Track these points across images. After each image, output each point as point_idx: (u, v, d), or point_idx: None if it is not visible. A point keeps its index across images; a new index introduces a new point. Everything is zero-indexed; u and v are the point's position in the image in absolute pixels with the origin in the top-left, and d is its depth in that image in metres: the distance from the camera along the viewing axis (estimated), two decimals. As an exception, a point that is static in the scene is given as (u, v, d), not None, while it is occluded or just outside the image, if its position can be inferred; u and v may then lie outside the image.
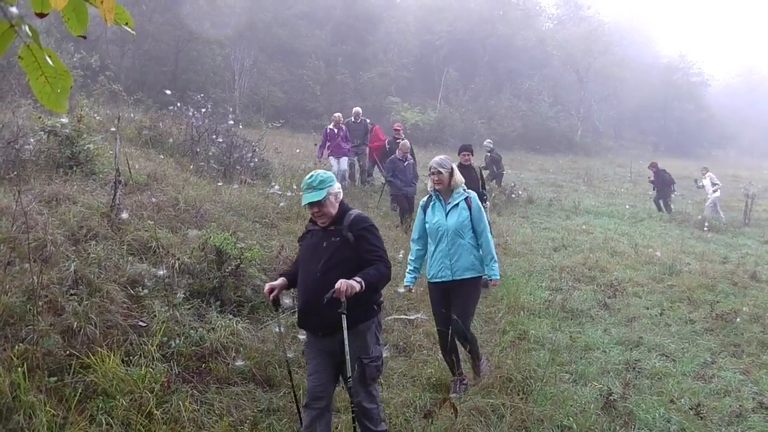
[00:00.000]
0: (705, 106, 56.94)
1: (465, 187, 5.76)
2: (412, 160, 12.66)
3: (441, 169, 5.63)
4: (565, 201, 19.07)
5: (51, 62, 1.71)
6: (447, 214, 5.62)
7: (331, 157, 14.63)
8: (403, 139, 14.07)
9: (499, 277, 5.84)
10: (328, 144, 14.73)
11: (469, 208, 5.63)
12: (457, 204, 5.62)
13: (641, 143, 49.46)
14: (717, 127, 56.89)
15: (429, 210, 5.76)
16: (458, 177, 5.71)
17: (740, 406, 5.69)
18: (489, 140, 19.51)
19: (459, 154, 10.02)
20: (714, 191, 19.73)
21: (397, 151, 12.66)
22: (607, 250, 12.39)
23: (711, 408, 5.59)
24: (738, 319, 8.09)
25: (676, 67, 57.56)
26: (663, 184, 19.36)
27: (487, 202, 10.12)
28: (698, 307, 8.84)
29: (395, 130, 15.42)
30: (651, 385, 6.14)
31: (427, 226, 5.75)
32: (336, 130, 14.69)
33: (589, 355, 6.90)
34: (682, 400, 5.75)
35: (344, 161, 14.93)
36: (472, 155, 10.12)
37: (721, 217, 18.91)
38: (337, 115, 15.24)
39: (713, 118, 56.86)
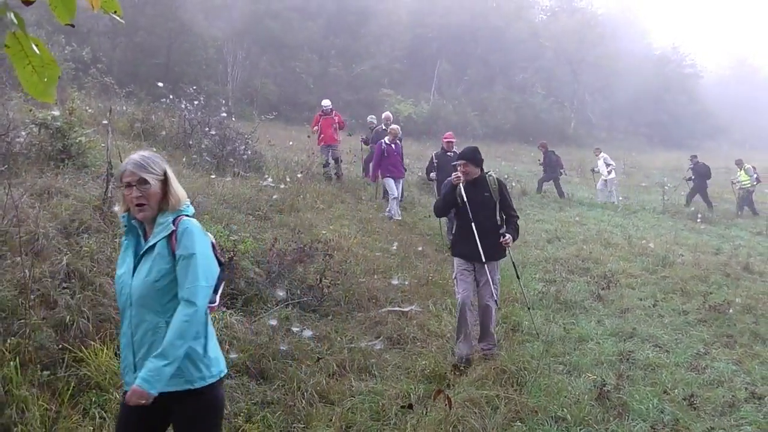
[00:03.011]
0: (697, 98, 57.18)
1: (189, 207, 3.03)
2: None
3: (144, 174, 2.89)
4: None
5: (38, 51, 1.69)
6: (136, 265, 2.95)
7: (387, 179, 12.42)
8: (451, 151, 11.27)
9: (150, 390, 2.73)
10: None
11: (173, 254, 2.89)
12: (154, 246, 2.91)
13: (634, 135, 49.51)
14: (709, 119, 57.16)
15: (122, 252, 3.07)
16: (177, 191, 2.99)
17: (733, 396, 5.72)
18: (372, 116, 17.59)
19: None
20: (608, 172, 19.48)
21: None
22: (601, 242, 12.42)
23: (704, 398, 5.62)
24: (731, 310, 8.13)
25: (668, 58, 57.66)
26: (551, 165, 19.09)
27: (508, 238, 6.32)
28: (691, 299, 8.87)
29: (446, 140, 11.77)
30: (644, 375, 6.15)
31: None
32: (393, 146, 12.45)
33: (583, 346, 6.91)
34: (676, 390, 5.77)
35: (401, 185, 12.78)
36: (477, 165, 6.35)
37: (618, 199, 18.82)
38: (394, 127, 12.98)
39: (705, 110, 57.12)
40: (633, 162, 28.75)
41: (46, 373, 4.31)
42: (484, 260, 6.25)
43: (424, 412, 4.83)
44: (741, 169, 19.15)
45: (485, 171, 6.51)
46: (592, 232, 13.48)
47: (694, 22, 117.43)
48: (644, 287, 9.50)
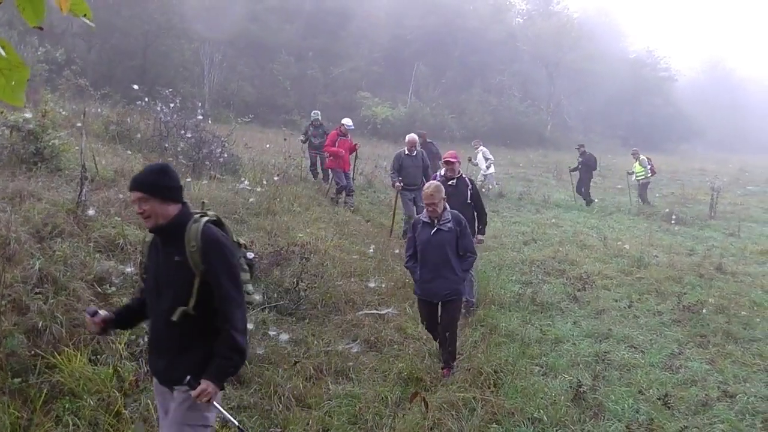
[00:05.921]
0: (672, 100, 57.84)
1: None
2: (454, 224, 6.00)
3: None
4: (535, 195, 19.23)
5: (4, 53, 1.66)
6: None
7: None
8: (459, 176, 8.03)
9: None
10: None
11: None
12: None
13: (610, 137, 49.96)
14: (684, 122, 57.83)
15: None
16: None
17: (706, 395, 5.81)
18: (316, 111, 16.63)
19: None
20: (487, 166, 19.42)
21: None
22: (577, 244, 12.51)
23: (678, 398, 5.70)
24: (704, 311, 8.25)
25: (644, 61, 58.24)
26: (430, 157, 18.95)
27: (201, 389, 3.03)
28: (666, 299, 8.97)
29: (447, 162, 8.07)
30: (620, 376, 6.22)
31: None
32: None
33: (559, 347, 6.97)
34: (651, 390, 5.85)
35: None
36: (165, 201, 3.35)
37: (490, 189, 18.73)
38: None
39: (680, 112, 57.78)
40: (609, 164, 28.92)
41: (17, 380, 4.25)
42: (159, 381, 3.36)
43: (401, 415, 4.84)
44: (636, 161, 19.29)
45: (204, 215, 3.50)
46: (568, 234, 13.58)
47: (669, 25, 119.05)
48: (620, 288, 9.59)
